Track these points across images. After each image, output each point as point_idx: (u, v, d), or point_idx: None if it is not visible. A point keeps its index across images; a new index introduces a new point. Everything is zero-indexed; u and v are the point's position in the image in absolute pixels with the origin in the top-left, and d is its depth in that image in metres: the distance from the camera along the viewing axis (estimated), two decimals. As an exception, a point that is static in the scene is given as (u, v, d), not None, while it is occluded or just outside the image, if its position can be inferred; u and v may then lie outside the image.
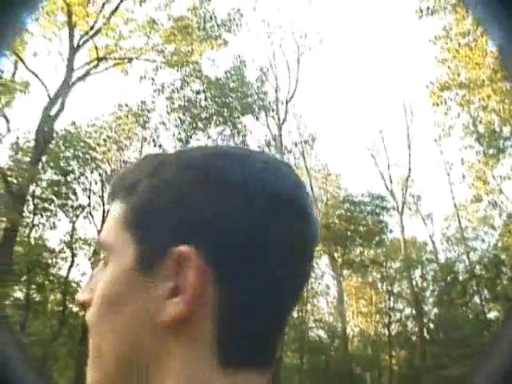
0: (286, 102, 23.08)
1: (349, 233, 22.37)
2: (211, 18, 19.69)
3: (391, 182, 24.00)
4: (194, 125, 21.35)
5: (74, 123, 19.98)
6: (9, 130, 16.67)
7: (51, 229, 18.95)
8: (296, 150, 24.13)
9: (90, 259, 19.50)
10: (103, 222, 20.03)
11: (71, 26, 17.12)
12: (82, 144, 19.57)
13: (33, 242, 18.01)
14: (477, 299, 20.40)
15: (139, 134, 21.54)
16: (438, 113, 19.32)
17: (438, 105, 18.94)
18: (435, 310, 22.82)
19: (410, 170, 23.78)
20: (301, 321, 22.95)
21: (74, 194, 19.65)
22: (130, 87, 31.23)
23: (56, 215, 19.07)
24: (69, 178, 19.25)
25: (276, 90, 23.23)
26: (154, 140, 21.42)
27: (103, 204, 20.46)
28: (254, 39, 35.80)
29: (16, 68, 16.60)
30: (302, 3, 33.63)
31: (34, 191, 17.69)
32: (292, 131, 24.56)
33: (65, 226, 20.45)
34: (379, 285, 25.47)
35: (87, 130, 20.64)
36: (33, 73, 16.56)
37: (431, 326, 22.46)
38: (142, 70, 20.28)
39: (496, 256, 19.18)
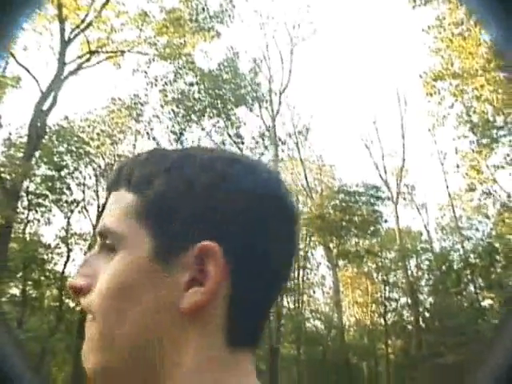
0: (280, 93, 23.03)
1: (344, 223, 22.41)
2: (203, 9, 19.54)
3: (386, 172, 24.07)
4: (188, 117, 21.28)
5: (66, 118, 19.88)
6: (1, 126, 16.57)
7: (46, 224, 18.91)
8: (290, 140, 24.13)
9: (85, 254, 19.46)
10: (99, 216, 20.00)
11: (62, 20, 16.93)
12: (76, 138, 19.46)
13: (28, 238, 17.96)
14: (471, 288, 20.54)
15: (133, 127, 21.46)
16: (431, 102, 19.35)
17: (431, 95, 18.95)
18: (430, 299, 22.99)
19: (404, 159, 23.85)
20: (297, 312, 23.09)
21: (69, 188, 19.58)
22: (123, 80, 31.14)
23: (51, 211, 19.02)
24: (63, 173, 19.17)
25: (269, 81, 23.16)
26: (147, 133, 21.36)
27: (98, 198, 20.41)
28: (247, 30, 35.67)
29: (7, 63, 16.43)
30: (294, -7, 33.37)
31: (27, 187, 17.61)
32: (286, 122, 24.53)
33: (60, 221, 20.48)
34: (375, 275, 25.61)
35: (80, 124, 20.53)
36: (24, 67, 16.42)
37: (427, 314, 22.61)
38: (135, 63, 20.18)
39: (490, 245, 19.28)
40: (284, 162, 24.39)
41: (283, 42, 29.35)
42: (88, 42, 17.95)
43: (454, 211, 23.48)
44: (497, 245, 18.90)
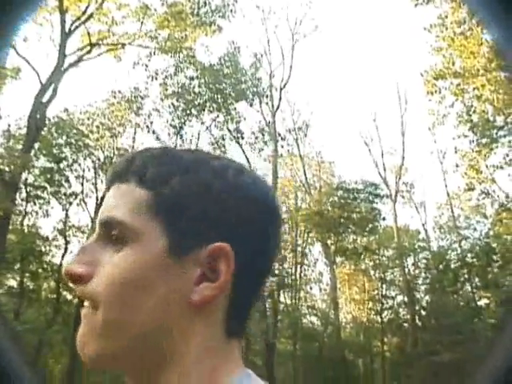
0: (280, 89, 22.97)
1: (342, 220, 22.42)
2: (205, 3, 19.45)
3: (385, 169, 24.06)
4: (188, 111, 21.23)
5: (66, 110, 19.83)
6: (0, 117, 16.51)
7: (44, 216, 18.91)
8: (290, 136, 24.10)
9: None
10: (97, 208, 19.98)
11: (62, 11, 16.84)
12: (75, 131, 19.42)
13: (26, 230, 17.97)
14: (468, 287, 20.61)
15: (132, 120, 21.43)
16: (432, 101, 19.30)
17: (432, 93, 18.91)
18: (427, 298, 23.01)
19: (403, 158, 23.84)
20: (294, 308, 23.12)
21: (67, 181, 19.56)
22: (123, 73, 30.98)
23: (49, 203, 19.02)
24: (61, 166, 19.15)
25: (270, 77, 23.09)
26: (147, 126, 21.34)
27: (96, 191, 20.39)
28: (249, 25, 35.47)
29: (7, 54, 16.34)
30: (296, -12, 33.27)
31: (26, 179, 17.59)
32: (286, 118, 24.50)
33: (58, 213, 20.43)
34: (372, 272, 25.63)
35: (80, 116, 20.48)
36: (24, 58, 16.36)
37: (423, 313, 22.65)
38: (136, 56, 20.11)
39: (487, 244, 19.34)
40: (283, 157, 24.39)
41: (285, 37, 29.22)
42: (89, 34, 17.88)
43: (452, 210, 23.52)
44: (494, 245, 18.96)
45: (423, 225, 24.23)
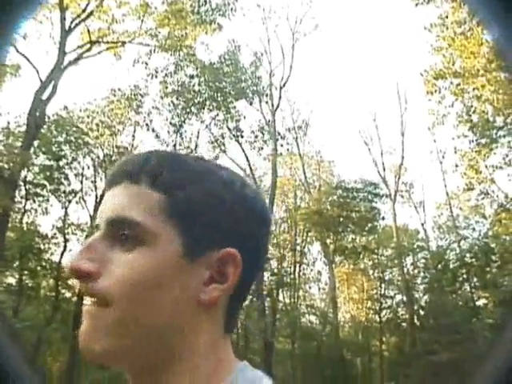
0: (280, 88, 22.94)
1: (341, 219, 22.44)
2: (205, 1, 19.41)
3: (384, 169, 24.05)
4: (188, 109, 21.22)
5: (66, 108, 19.81)
6: None
7: (43, 214, 18.89)
8: (289, 135, 24.07)
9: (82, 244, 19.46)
10: (96, 206, 19.96)
11: (63, 9, 16.81)
12: (75, 129, 19.40)
13: (25, 228, 17.95)
14: (467, 287, 20.60)
15: (132, 118, 21.43)
16: (432, 101, 19.30)
17: (432, 93, 18.91)
18: (426, 297, 22.96)
19: (403, 157, 23.83)
20: (293, 307, 23.16)
21: (67, 179, 19.55)
22: (123, 71, 30.89)
23: (48, 200, 18.99)
24: (61, 163, 19.13)
25: (270, 76, 23.05)
26: (147, 124, 21.33)
27: (96, 189, 20.37)
28: (249, 24, 35.40)
29: (7, 51, 16.30)
30: (297, -13, 33.16)
31: (25, 176, 17.56)
32: (286, 117, 24.47)
33: (57, 211, 20.39)
34: (371, 271, 25.64)
35: (79, 114, 20.47)
36: (24, 56, 16.31)
37: (422, 312, 22.63)
38: (136, 54, 20.07)
39: (486, 245, 19.34)
40: (283, 156, 24.38)
41: (285, 36, 29.30)
42: (89, 31, 17.85)
43: (451, 210, 23.52)
44: (493, 245, 18.98)
45: (422, 224, 24.25)
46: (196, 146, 21.61)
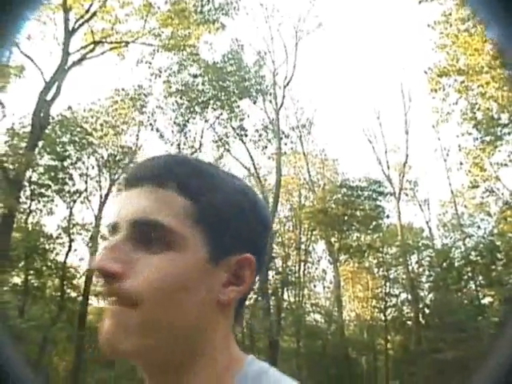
0: (284, 87, 22.93)
1: (346, 218, 22.40)
2: (208, 1, 19.43)
3: (388, 167, 24.01)
4: (192, 109, 21.23)
5: (70, 108, 19.85)
6: (4, 115, 16.52)
7: (48, 214, 18.97)
8: (293, 134, 24.05)
9: (87, 244, 19.54)
10: (101, 206, 20.04)
11: (66, 9, 16.87)
12: (79, 129, 19.47)
13: (30, 228, 18.03)
14: (472, 285, 20.55)
15: (136, 118, 21.46)
16: (436, 99, 19.21)
17: (436, 91, 18.83)
18: (431, 296, 22.88)
19: (407, 155, 23.78)
20: (298, 305, 23.13)
21: (71, 179, 19.62)
22: (127, 71, 31.01)
23: (53, 201, 19.07)
24: (65, 164, 19.20)
25: (274, 74, 23.04)
26: (151, 124, 21.35)
27: (100, 189, 20.44)
28: (252, 23, 35.38)
29: (10, 52, 16.36)
30: (300, -15, 33.12)
31: (30, 177, 17.64)
32: (289, 115, 24.47)
33: (62, 211, 20.51)
34: (375, 270, 25.56)
35: (84, 114, 20.52)
36: (28, 57, 16.39)
37: (427, 311, 22.57)
38: (139, 54, 20.12)
39: (491, 242, 19.26)
40: (287, 155, 24.37)
41: (288, 35, 29.24)
42: (92, 32, 17.90)
43: (456, 208, 23.44)
44: (498, 243, 18.89)
45: (427, 223, 24.19)
46: (200, 145, 21.64)
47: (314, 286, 27.37)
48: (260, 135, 22.23)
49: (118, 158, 20.66)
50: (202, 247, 0.65)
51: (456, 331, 17.16)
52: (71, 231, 19.16)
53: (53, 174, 18.55)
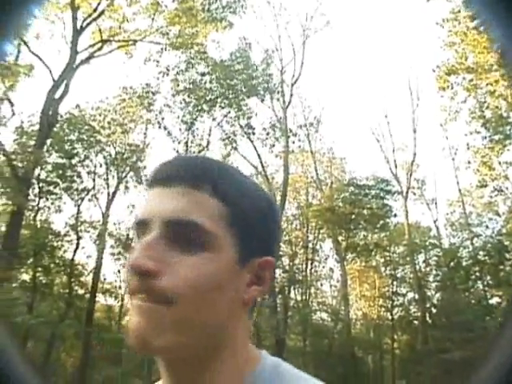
0: (292, 85, 22.90)
1: (353, 216, 22.32)
2: (216, -1, 19.45)
3: (396, 166, 23.86)
4: (199, 107, 21.25)
5: (78, 106, 20.00)
6: (13, 114, 16.67)
7: (56, 212, 19.15)
8: (301, 132, 24.01)
9: (95, 242, 19.67)
10: (109, 204, 20.17)
11: (74, 8, 16.97)
12: (87, 127, 19.60)
13: (39, 225, 18.17)
14: (479, 285, 20.38)
15: (144, 116, 21.53)
16: (444, 97, 19.11)
17: (444, 89, 18.72)
18: (438, 295, 22.77)
19: (415, 154, 23.62)
20: (304, 304, 23.12)
21: (79, 176, 19.76)
22: (135, 70, 31.07)
23: (61, 198, 19.23)
24: (73, 161, 19.33)
25: (281, 73, 23.02)
26: (158, 122, 21.40)
27: (108, 187, 20.56)
28: (260, 21, 35.29)
29: (19, 51, 16.50)
30: (308, -17, 33.02)
31: (39, 174, 17.79)
32: (297, 114, 24.40)
33: (70, 209, 20.65)
34: (383, 269, 25.47)
35: (92, 112, 20.65)
36: (36, 55, 16.52)
37: (434, 310, 22.44)
38: (147, 53, 20.19)
39: (500, 242, 19.09)
40: (294, 153, 24.34)
41: (296, 33, 29.20)
42: (100, 30, 18.00)
43: (464, 207, 23.30)
44: (506, 242, 18.73)
45: (434, 222, 24.04)
46: (208, 143, 21.68)
47: (321, 285, 27.38)
48: (267, 133, 22.23)
49: (125, 156, 20.76)
50: (232, 249, 0.68)
51: (463, 331, 17.06)
52: (79, 229, 19.29)
53: (61, 171, 18.69)
